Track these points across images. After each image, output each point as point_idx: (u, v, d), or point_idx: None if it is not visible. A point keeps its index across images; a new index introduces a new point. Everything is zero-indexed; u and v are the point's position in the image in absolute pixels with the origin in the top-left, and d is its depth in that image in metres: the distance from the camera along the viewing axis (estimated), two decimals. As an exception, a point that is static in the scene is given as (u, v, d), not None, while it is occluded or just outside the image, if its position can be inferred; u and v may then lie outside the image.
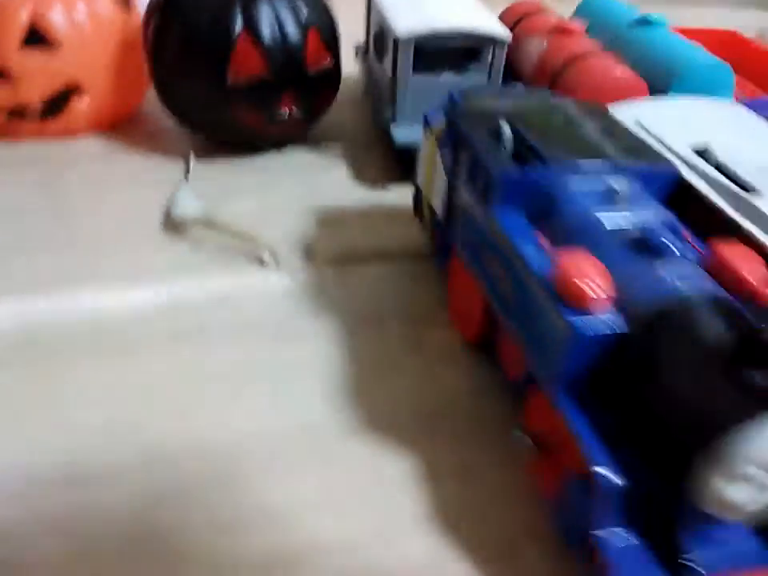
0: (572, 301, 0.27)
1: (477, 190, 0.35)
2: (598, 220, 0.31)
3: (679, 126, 0.39)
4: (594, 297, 0.27)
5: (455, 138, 0.39)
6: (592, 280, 0.27)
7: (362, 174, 0.59)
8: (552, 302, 0.28)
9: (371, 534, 0.31)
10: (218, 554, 0.30)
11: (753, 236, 0.31)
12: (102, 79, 0.60)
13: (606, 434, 0.27)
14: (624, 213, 0.31)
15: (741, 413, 0.23)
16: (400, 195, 0.54)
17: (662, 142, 0.37)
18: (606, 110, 0.40)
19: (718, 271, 0.29)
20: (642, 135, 0.39)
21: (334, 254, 0.48)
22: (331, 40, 0.58)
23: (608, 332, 0.27)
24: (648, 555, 0.26)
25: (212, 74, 0.53)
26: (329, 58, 0.57)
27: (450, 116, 0.40)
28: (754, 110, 0.44)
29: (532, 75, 0.57)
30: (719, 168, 0.35)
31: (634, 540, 0.26)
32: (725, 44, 0.69)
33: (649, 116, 0.40)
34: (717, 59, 0.53)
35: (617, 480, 0.25)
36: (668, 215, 0.32)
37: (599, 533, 0.26)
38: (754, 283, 0.28)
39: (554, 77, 0.53)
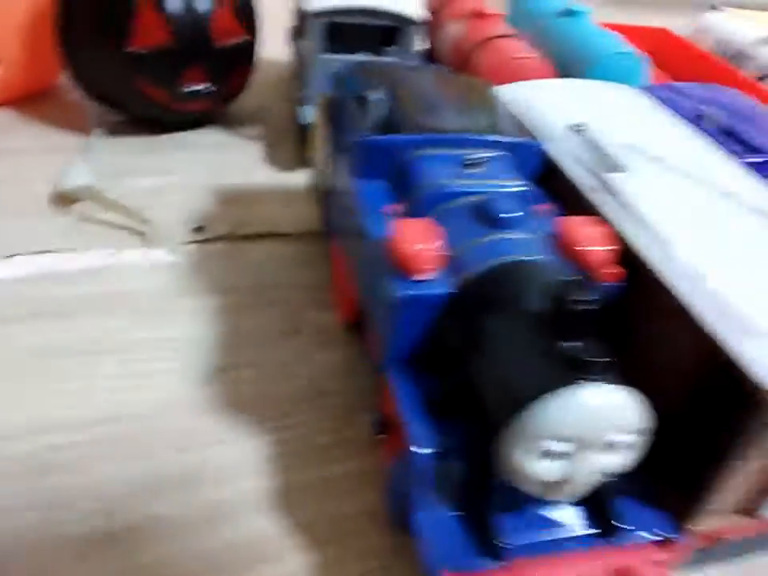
0: (398, 266, 0.26)
1: (341, 161, 0.34)
2: (447, 188, 0.29)
3: (563, 105, 0.38)
4: (422, 262, 0.26)
5: (331, 110, 0.38)
6: (421, 245, 0.26)
7: (274, 155, 0.57)
8: (383, 269, 0.26)
9: (212, 510, 0.30)
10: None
11: (600, 211, 0.30)
12: (15, 50, 0.58)
13: (442, 408, 0.26)
14: (475, 182, 0.30)
15: (542, 384, 0.22)
16: (308, 177, 0.53)
17: (540, 120, 0.37)
18: (489, 87, 0.39)
19: (563, 245, 0.29)
20: (523, 113, 0.38)
21: (225, 232, 0.47)
22: (246, 16, 0.56)
23: (429, 295, 0.26)
24: (462, 532, 0.24)
25: (113, 44, 0.51)
26: (242, 34, 0.55)
27: (333, 89, 0.39)
28: (650, 93, 0.43)
29: (449, 58, 0.56)
30: (590, 145, 0.34)
31: (447, 515, 0.25)
32: (655, 40, 0.68)
33: (534, 95, 0.39)
34: (629, 49, 0.52)
35: (430, 455, 0.24)
36: (523, 188, 0.31)
37: (415, 509, 0.25)
38: (592, 258, 0.28)
39: (465, 58, 0.52)
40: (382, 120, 0.34)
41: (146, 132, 0.58)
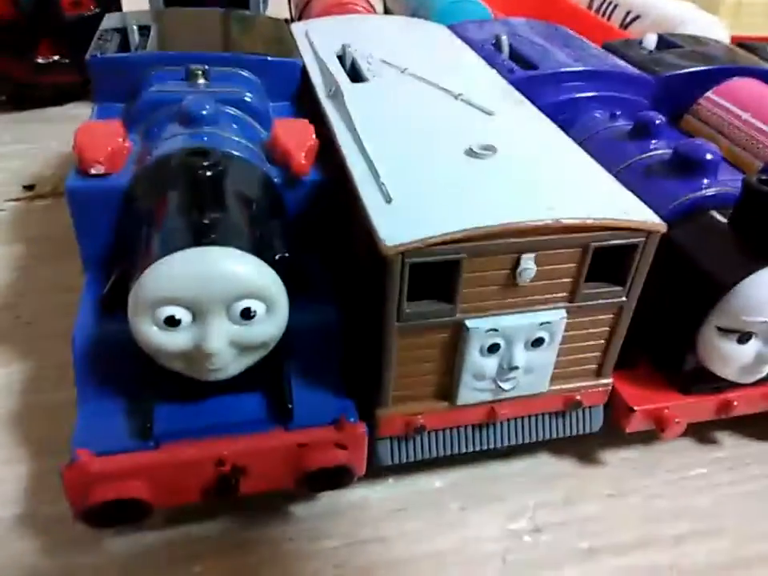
0: (77, 164, 0.26)
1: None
2: (158, 96, 0.30)
3: (339, 34, 0.38)
4: (93, 158, 0.26)
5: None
6: (97, 144, 0.26)
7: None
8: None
9: None
10: None
11: (325, 113, 0.30)
12: None
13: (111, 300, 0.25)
14: (190, 91, 0.30)
15: (163, 251, 0.22)
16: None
17: (314, 45, 0.37)
18: (280, 22, 0.39)
19: (270, 144, 0.29)
20: (303, 41, 0.38)
21: (49, 190, 0.47)
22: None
23: (101, 187, 0.26)
24: (119, 419, 0.24)
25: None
26: (92, 6, 0.56)
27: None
28: (457, 32, 0.43)
29: (295, 11, 0.58)
30: (345, 61, 0.34)
31: (109, 403, 0.24)
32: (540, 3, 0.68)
33: (317, 27, 0.39)
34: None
35: (90, 342, 0.24)
36: (247, 96, 0.31)
37: (79, 398, 0.25)
38: (293, 153, 0.27)
39: (303, 6, 0.53)
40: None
41: (12, 109, 0.59)
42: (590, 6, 0.65)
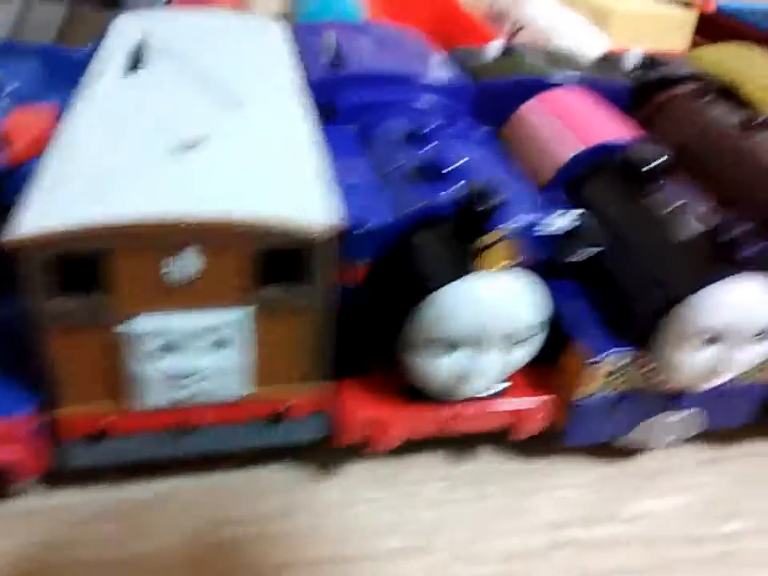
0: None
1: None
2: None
3: (142, 27, 0.38)
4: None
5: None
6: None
7: None
8: None
9: None
10: None
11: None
12: None
13: None
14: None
15: None
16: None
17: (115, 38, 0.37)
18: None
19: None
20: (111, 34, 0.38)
21: None
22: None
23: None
24: None
25: None
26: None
27: None
28: (298, 31, 0.43)
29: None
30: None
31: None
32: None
33: (123, 21, 0.39)
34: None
35: None
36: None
37: None
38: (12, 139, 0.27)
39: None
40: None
41: None
42: (489, 17, 0.64)
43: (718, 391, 0.29)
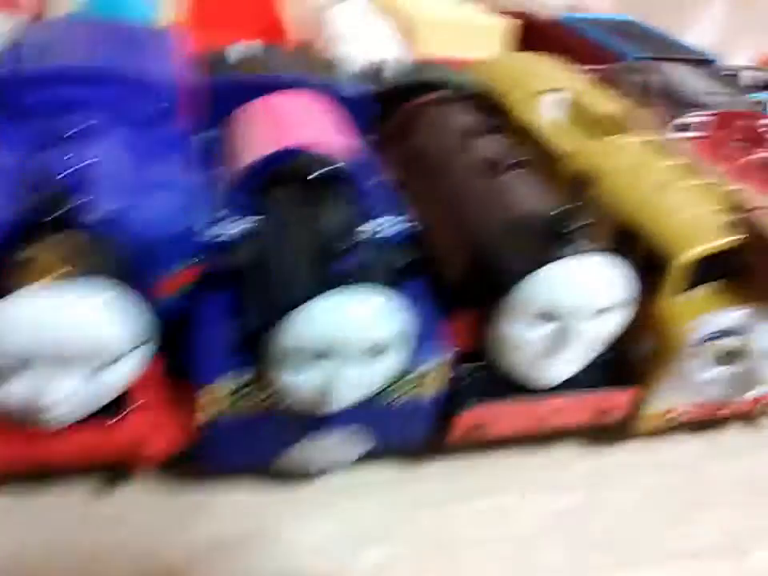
0: None
1: None
2: None
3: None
4: None
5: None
6: None
7: None
8: None
9: None
10: None
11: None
12: None
13: None
14: None
15: None
16: None
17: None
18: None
19: None
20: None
21: None
22: None
23: None
24: None
25: None
26: None
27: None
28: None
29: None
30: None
31: None
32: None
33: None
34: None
35: None
36: None
37: None
38: None
39: None
40: None
41: None
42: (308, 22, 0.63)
43: (378, 410, 0.28)
